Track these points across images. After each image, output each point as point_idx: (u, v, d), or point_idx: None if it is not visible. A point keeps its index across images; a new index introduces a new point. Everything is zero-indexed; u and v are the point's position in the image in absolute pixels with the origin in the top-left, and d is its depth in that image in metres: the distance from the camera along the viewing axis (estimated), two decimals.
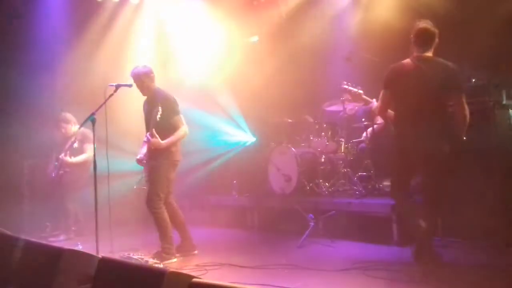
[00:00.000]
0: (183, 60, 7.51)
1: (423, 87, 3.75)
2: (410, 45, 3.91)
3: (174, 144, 4.70)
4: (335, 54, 6.42)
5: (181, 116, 4.76)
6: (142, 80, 4.72)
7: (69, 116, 6.24)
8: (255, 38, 7.67)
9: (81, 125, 4.57)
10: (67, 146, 6.00)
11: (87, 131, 6.06)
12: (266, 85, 6.98)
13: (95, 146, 4.43)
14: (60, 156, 5.99)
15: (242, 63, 7.23)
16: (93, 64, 6.73)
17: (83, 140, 6.10)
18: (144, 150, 4.76)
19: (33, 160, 6.53)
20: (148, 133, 4.56)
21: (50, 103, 6.41)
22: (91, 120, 4.38)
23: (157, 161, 4.65)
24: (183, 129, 4.73)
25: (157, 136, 4.50)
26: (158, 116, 4.42)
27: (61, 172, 6.06)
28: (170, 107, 4.64)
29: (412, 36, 3.89)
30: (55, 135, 6.34)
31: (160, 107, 4.44)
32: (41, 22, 6.55)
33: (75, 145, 5.98)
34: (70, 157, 6.02)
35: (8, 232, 3.75)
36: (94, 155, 4.35)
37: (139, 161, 4.76)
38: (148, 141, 4.54)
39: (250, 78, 7.04)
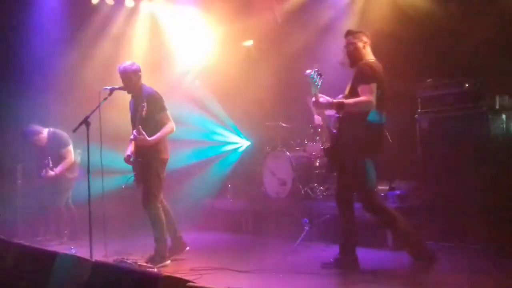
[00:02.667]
0: (177, 64, 7.51)
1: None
2: (363, 49, 4.05)
3: (161, 141, 4.66)
4: (330, 59, 6.44)
5: (168, 112, 4.71)
6: (130, 77, 4.64)
7: (34, 127, 6.07)
8: (249, 42, 7.69)
9: (75, 129, 4.52)
10: (44, 164, 5.86)
11: (58, 134, 6.01)
12: (260, 89, 7.00)
13: (89, 149, 4.39)
14: (42, 175, 5.87)
15: (237, 66, 7.24)
16: (88, 68, 6.71)
17: (58, 147, 6.01)
18: (131, 148, 4.73)
19: (26, 163, 6.49)
20: (134, 131, 4.50)
21: (43, 107, 6.39)
22: (85, 123, 4.36)
23: (145, 159, 4.61)
24: (170, 125, 4.67)
25: (143, 133, 4.44)
26: (144, 112, 4.37)
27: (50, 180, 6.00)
28: (156, 103, 4.59)
29: (368, 41, 4.06)
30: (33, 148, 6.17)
31: (145, 103, 4.40)
32: (34, 25, 6.54)
33: (50, 164, 5.85)
34: (52, 170, 5.89)
35: (2, 236, 3.74)
36: (88, 157, 4.32)
37: (126, 159, 4.73)
38: (134, 139, 4.48)
39: (245, 82, 7.05)
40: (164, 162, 4.73)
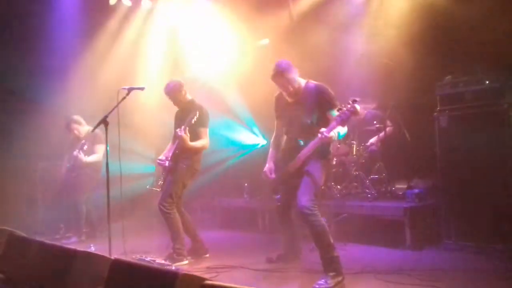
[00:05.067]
0: (194, 63, 7.54)
1: None
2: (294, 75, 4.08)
3: (198, 153, 4.79)
4: (347, 56, 6.40)
5: (207, 130, 4.83)
6: (174, 95, 4.84)
7: (79, 118, 6.33)
8: (265, 41, 7.67)
9: (94, 128, 4.60)
10: (79, 146, 6.03)
11: (98, 132, 6.13)
12: (277, 88, 6.96)
13: (108, 148, 4.47)
14: (74, 153, 6.00)
15: (253, 66, 7.23)
16: (106, 67, 6.79)
17: (93, 141, 6.15)
18: (168, 152, 4.86)
19: (47, 162, 6.60)
20: (179, 128, 4.56)
21: (63, 106, 6.49)
22: (104, 122, 4.42)
23: (178, 164, 4.72)
24: (206, 141, 4.80)
25: (188, 134, 4.55)
26: (194, 120, 4.51)
27: (73, 174, 6.11)
28: (203, 117, 4.74)
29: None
30: (67, 137, 6.40)
31: (198, 112, 4.55)
32: (54, 25, 6.64)
33: (85, 147, 6.01)
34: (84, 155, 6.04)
35: (23, 234, 3.81)
36: (107, 157, 4.38)
37: (162, 163, 4.80)
38: (180, 133, 4.53)
39: (261, 81, 7.01)
40: (194, 172, 4.85)
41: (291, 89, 4.04)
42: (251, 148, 7.74)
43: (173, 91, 4.84)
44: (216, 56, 7.65)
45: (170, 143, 5.01)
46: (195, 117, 4.53)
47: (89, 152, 6.11)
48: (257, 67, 7.20)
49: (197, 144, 4.70)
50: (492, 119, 4.52)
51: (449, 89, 4.89)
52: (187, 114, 4.62)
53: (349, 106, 3.58)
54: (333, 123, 3.65)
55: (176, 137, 4.69)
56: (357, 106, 3.59)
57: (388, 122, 6.06)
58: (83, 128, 6.31)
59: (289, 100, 4.12)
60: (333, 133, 3.67)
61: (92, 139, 6.14)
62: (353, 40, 6.63)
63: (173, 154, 4.76)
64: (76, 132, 6.29)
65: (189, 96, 4.95)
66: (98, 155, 6.13)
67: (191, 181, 4.87)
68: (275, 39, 7.48)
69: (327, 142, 3.76)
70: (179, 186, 4.75)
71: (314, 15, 6.96)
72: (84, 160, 6.02)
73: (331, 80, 6.76)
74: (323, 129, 3.68)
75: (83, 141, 6.05)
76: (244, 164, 7.36)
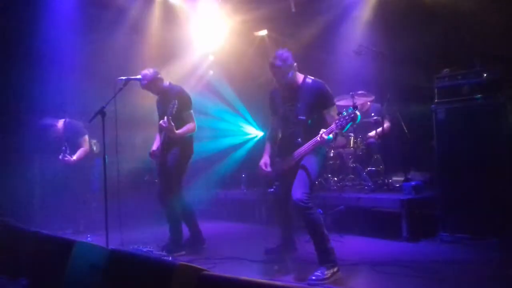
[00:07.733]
0: (192, 53, 7.51)
1: None
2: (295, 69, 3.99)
3: (188, 137, 4.76)
4: (345, 48, 6.39)
5: (192, 112, 4.79)
6: (154, 84, 4.77)
7: (48, 120, 6.20)
8: (263, 32, 7.64)
9: (91, 119, 4.57)
10: (61, 150, 5.94)
11: (74, 124, 6.10)
12: (273, 80, 6.95)
13: (104, 139, 4.44)
14: (60, 157, 5.93)
15: (251, 57, 7.21)
16: (103, 58, 6.74)
17: (75, 136, 6.11)
18: (157, 143, 4.83)
19: (44, 153, 6.57)
20: (163, 120, 4.52)
21: (61, 97, 6.45)
22: (101, 113, 4.40)
23: (171, 153, 4.70)
24: (193, 124, 4.77)
25: (172, 124, 4.51)
26: (174, 109, 4.46)
27: (68, 171, 6.07)
28: (184, 102, 4.69)
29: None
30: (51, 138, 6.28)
31: (176, 101, 4.49)
32: (52, 12, 6.58)
33: (67, 151, 5.92)
34: (71, 156, 5.98)
35: (20, 225, 3.80)
36: (104, 148, 4.37)
37: (153, 154, 4.79)
38: (165, 125, 4.50)
39: (259, 72, 7.01)
40: (188, 157, 4.83)
41: (286, 81, 3.95)
42: (248, 140, 7.75)
43: (153, 81, 4.74)
44: (214, 47, 7.62)
45: (157, 134, 4.95)
46: (175, 106, 4.45)
47: (74, 147, 6.05)
48: (255, 58, 7.19)
49: (184, 130, 4.66)
50: (490, 112, 4.52)
51: (447, 81, 4.89)
52: (168, 102, 4.55)
53: (350, 112, 3.57)
54: (333, 126, 3.62)
55: (161, 128, 4.65)
56: (358, 113, 3.55)
57: (387, 117, 6.06)
58: (58, 127, 6.18)
59: (284, 93, 4.07)
60: (331, 136, 3.66)
61: (73, 135, 6.10)
62: (351, 31, 6.62)
63: (163, 144, 4.73)
64: (54, 134, 6.15)
65: (166, 82, 4.86)
66: (84, 148, 6.11)
67: (186, 166, 4.84)
68: (274, 30, 7.46)
69: (325, 144, 3.76)
70: (177, 175, 4.74)
71: (313, 6, 6.93)
72: (72, 160, 5.98)
73: (329, 71, 6.80)
74: (322, 131, 3.67)
75: (64, 145, 5.95)
76: (242, 156, 7.37)
